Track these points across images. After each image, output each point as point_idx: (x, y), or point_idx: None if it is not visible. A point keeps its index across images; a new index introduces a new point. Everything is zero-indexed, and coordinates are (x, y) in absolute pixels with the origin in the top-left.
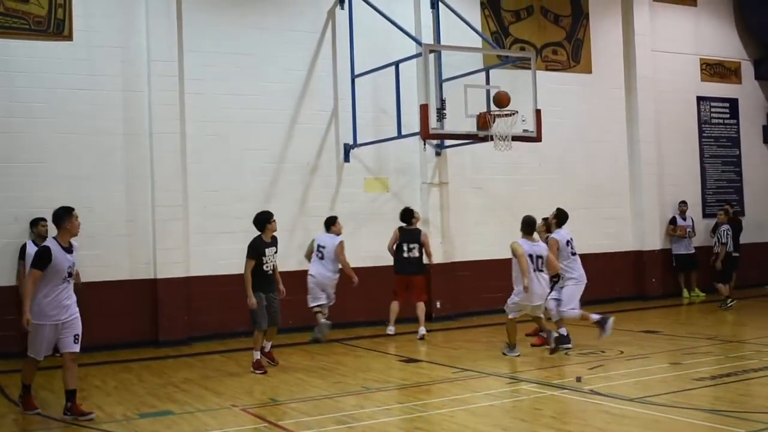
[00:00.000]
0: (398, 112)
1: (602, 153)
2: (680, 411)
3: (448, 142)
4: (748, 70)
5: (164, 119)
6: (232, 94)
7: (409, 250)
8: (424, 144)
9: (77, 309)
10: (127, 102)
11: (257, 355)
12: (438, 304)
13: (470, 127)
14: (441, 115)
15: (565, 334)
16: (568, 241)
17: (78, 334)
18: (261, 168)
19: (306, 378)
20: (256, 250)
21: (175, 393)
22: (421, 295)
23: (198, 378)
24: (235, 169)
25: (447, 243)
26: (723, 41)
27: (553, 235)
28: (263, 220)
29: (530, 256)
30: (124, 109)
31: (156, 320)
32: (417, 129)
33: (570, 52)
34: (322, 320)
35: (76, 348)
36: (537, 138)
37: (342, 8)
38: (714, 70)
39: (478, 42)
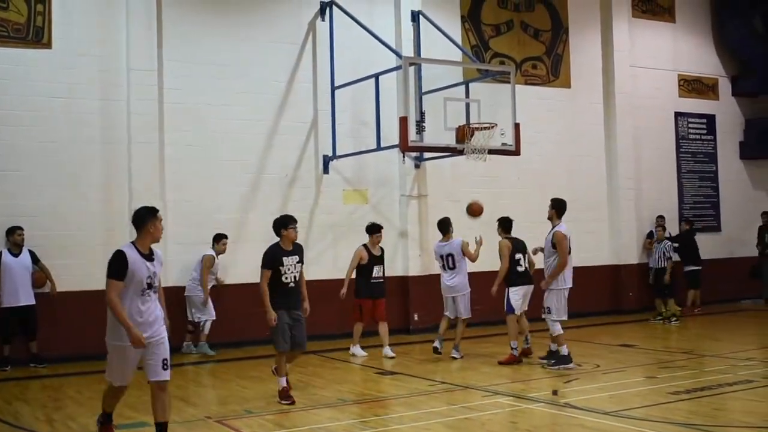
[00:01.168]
0: (378, 124)
1: (581, 167)
2: (655, 424)
3: (427, 155)
4: (725, 86)
5: (143, 128)
6: (211, 104)
7: (378, 271)
8: (403, 156)
9: (164, 328)
10: (105, 111)
11: (282, 382)
12: (416, 317)
13: (449, 140)
14: (420, 128)
15: (566, 353)
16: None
17: (167, 359)
18: (239, 178)
19: None
20: (271, 259)
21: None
22: (384, 315)
23: (174, 389)
24: (214, 179)
25: (425, 255)
26: (701, 57)
27: (557, 229)
28: (278, 225)
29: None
30: (102, 117)
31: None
32: (396, 141)
33: (549, 66)
34: None
35: (166, 376)
36: (515, 152)
37: (323, 20)
38: (692, 86)
39: (458, 55)
